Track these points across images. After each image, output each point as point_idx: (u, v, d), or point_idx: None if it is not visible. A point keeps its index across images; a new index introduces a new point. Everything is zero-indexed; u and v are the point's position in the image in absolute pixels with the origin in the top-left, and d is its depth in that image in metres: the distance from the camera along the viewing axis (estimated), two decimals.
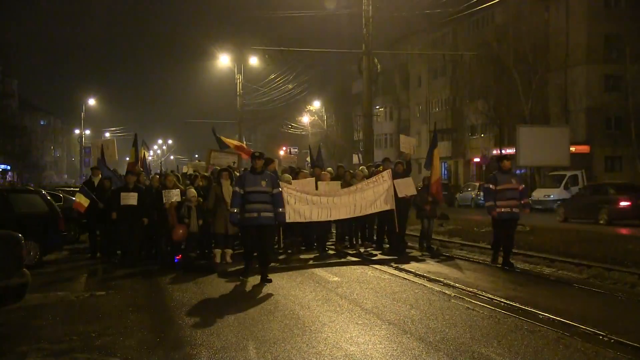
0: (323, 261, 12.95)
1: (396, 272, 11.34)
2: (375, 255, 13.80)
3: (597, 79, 40.74)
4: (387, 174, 13.93)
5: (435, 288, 9.69)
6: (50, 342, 6.77)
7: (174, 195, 12.28)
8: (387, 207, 13.70)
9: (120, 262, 12.74)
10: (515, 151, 18.95)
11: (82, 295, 9.61)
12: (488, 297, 8.87)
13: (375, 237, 15.16)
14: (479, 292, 9.23)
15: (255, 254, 10.62)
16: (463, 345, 6.48)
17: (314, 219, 13.30)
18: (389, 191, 13.73)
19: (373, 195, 13.66)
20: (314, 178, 14.37)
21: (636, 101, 38.42)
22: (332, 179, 14.69)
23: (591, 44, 40.39)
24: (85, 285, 10.72)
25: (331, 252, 14.25)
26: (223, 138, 17.90)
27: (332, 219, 13.80)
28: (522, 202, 12.09)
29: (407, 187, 14.01)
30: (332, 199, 13.42)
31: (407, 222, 15.05)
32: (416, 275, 10.97)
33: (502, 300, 8.65)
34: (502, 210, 11.75)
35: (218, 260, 12.36)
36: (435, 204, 14.69)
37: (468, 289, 9.54)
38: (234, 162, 16.29)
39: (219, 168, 14.04)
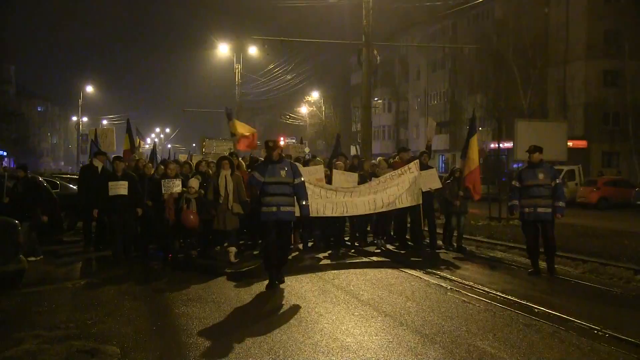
0: (323, 254, 12.59)
1: (393, 264, 11.34)
2: (402, 254, 12.62)
3: (596, 74, 40.73)
4: (414, 165, 12.55)
5: (432, 281, 9.71)
6: (47, 328, 6.78)
7: (175, 186, 11.34)
8: (414, 202, 12.45)
9: (113, 260, 11.39)
10: (513, 145, 18.90)
11: (78, 283, 9.62)
12: (484, 291, 8.89)
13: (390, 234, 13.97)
14: (476, 286, 9.25)
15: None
16: (459, 338, 6.50)
17: (327, 214, 12.14)
18: (415, 184, 12.42)
19: (397, 190, 12.37)
20: (322, 165, 13.37)
21: (634, 97, 38.51)
22: (348, 169, 13.60)
23: (591, 39, 40.35)
24: (81, 272, 10.73)
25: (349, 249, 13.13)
26: (237, 123, 16.18)
27: (348, 214, 12.64)
28: (555, 204, 10.27)
29: (432, 180, 12.83)
30: (349, 194, 12.23)
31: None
32: (413, 267, 10.98)
33: (498, 293, 8.68)
34: (526, 210, 10.38)
35: (232, 259, 11.15)
36: (465, 199, 13.26)
37: (464, 282, 9.57)
38: (230, 149, 15.42)
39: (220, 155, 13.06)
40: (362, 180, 13.07)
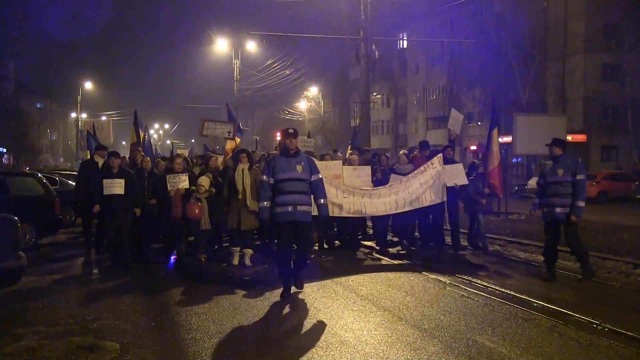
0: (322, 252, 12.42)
1: (391, 259, 11.34)
2: (404, 253, 12.03)
3: (595, 68, 40.70)
4: (437, 160, 11.77)
5: (431, 275, 9.70)
6: (46, 325, 6.79)
7: (182, 181, 10.45)
8: (438, 200, 11.71)
9: (111, 269, 10.30)
10: (512, 140, 18.94)
11: (78, 279, 9.63)
12: (483, 285, 8.89)
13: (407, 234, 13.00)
14: (474, 280, 9.25)
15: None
16: (458, 332, 6.50)
17: (344, 214, 11.47)
18: (439, 179, 11.64)
19: (420, 188, 11.60)
20: (341, 161, 12.77)
21: (633, 91, 38.50)
22: (362, 164, 12.71)
23: (589, 32, 40.30)
24: (81, 268, 10.72)
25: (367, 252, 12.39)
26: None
27: (366, 215, 12.11)
28: (572, 203, 9.18)
29: (457, 175, 11.88)
30: (368, 196, 11.51)
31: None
32: (411, 262, 10.98)
33: (497, 288, 8.68)
34: (544, 210, 9.51)
35: (236, 262, 10.27)
36: (491, 196, 12.33)
37: (463, 276, 9.56)
38: (229, 132, 14.77)
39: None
40: (383, 175, 12.37)
